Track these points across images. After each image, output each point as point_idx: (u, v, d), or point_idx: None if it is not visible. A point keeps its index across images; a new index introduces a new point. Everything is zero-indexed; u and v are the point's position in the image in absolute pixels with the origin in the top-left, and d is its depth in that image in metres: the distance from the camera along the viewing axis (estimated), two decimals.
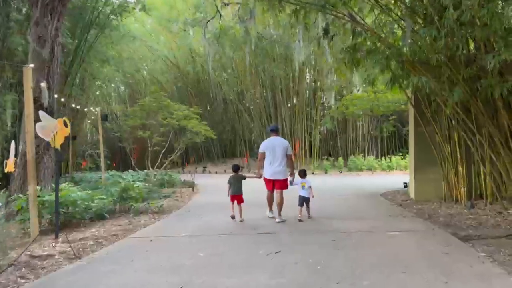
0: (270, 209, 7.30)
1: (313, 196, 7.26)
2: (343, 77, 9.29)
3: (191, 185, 13.95)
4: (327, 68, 12.67)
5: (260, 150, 7.32)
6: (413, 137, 8.99)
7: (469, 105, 6.86)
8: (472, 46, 6.65)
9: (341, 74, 8.91)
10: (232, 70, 24.26)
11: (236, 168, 7.55)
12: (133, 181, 13.01)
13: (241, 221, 6.99)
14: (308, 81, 23.42)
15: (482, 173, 7.62)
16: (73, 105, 14.04)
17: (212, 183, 16.84)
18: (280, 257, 4.57)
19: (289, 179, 7.34)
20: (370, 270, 3.95)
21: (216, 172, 25.28)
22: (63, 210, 7.02)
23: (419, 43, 6.56)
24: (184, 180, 15.52)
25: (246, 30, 12.37)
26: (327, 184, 14.87)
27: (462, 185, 7.58)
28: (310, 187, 7.13)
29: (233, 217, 7.01)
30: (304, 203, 7.11)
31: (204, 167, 27.01)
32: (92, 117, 17.36)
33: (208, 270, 4.20)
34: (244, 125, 26.19)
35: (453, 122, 7.68)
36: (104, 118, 13.65)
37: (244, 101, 25.51)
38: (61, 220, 7.08)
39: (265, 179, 7.23)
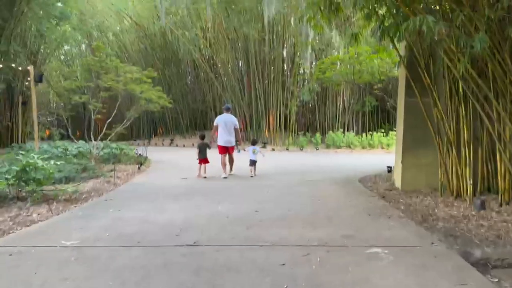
0: (224, 171, 9.12)
1: (263, 155, 9.79)
2: (320, 30, 7.20)
3: (140, 161, 11.89)
4: (301, 20, 10.45)
5: (215, 123, 9.30)
6: (402, 110, 7.02)
7: (485, 65, 4.94)
8: None
9: (317, 26, 6.83)
10: (200, 29, 21.70)
11: (202, 137, 9.69)
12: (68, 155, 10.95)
13: (204, 177, 8.95)
14: (284, 46, 21.03)
15: (493, 160, 5.77)
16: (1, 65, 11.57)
17: (171, 158, 14.83)
18: None
19: (239, 147, 9.69)
20: None
21: (184, 145, 23.21)
22: None
23: None
24: (140, 154, 13.64)
25: None
26: (298, 163, 13.00)
27: (468, 175, 5.68)
28: (259, 151, 9.50)
29: (202, 177, 8.97)
30: (253, 164, 9.40)
31: (171, 140, 24.88)
32: (29, 79, 14.82)
33: None
34: (216, 95, 23.95)
35: (460, 90, 5.73)
36: (39, 79, 11.37)
37: (215, 68, 23.15)
38: None
39: (219, 146, 9.18)
